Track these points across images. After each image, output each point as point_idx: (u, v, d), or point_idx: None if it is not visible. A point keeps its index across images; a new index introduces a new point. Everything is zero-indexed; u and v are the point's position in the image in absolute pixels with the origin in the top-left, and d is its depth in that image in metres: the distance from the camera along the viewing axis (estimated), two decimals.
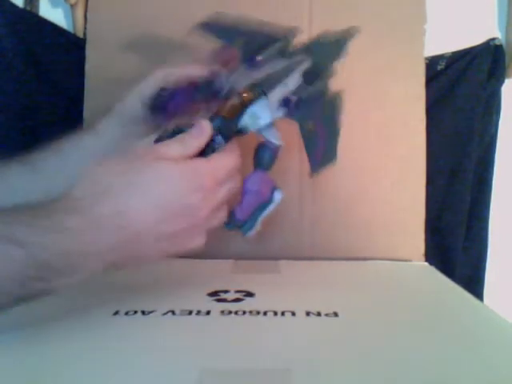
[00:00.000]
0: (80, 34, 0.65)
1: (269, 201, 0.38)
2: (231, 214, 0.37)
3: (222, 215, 0.36)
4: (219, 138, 0.35)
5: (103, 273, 0.32)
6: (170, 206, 0.32)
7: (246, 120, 0.36)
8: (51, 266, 0.29)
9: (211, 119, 0.35)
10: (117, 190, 0.31)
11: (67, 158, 0.43)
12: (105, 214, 0.30)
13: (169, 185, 0.32)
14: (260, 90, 0.37)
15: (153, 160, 0.33)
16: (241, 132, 0.37)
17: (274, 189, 0.38)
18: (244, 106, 0.36)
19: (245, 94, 0.36)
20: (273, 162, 0.38)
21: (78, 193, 0.31)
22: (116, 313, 0.35)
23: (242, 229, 0.38)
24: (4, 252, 0.28)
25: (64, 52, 0.64)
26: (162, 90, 0.40)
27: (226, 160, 0.35)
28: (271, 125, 0.38)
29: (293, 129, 0.58)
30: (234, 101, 0.36)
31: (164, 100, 0.40)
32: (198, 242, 0.35)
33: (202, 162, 0.34)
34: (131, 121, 0.43)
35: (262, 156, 0.38)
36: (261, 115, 0.37)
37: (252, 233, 0.38)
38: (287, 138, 0.57)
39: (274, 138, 0.38)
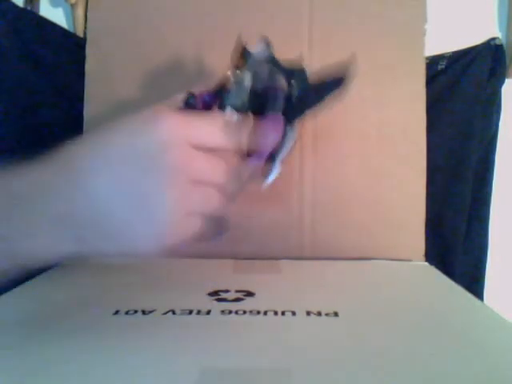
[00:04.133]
0: (80, 34, 0.65)
1: (284, 140, 0.35)
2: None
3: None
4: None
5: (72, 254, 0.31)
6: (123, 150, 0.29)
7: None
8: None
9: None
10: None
11: None
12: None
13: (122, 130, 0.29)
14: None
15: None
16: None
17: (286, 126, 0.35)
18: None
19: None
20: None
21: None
22: (116, 312, 0.35)
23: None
24: None
25: (64, 52, 0.64)
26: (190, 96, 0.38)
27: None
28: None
29: None
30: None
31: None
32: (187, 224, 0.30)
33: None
34: None
35: (273, 99, 0.35)
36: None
37: (272, 177, 0.36)
38: None
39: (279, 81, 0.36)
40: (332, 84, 0.36)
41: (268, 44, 0.36)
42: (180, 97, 0.36)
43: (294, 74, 0.36)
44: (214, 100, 0.36)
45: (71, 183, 0.29)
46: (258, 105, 0.35)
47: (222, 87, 0.36)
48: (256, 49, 0.36)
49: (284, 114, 0.35)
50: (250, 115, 0.35)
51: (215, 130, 0.31)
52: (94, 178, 0.29)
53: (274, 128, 0.35)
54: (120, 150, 0.29)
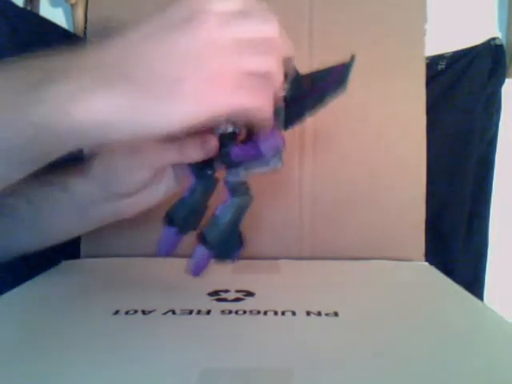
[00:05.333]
0: (80, 34, 0.65)
1: (266, 162, 0.35)
2: (226, 152, 0.35)
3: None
4: None
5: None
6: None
7: None
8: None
9: None
10: None
11: (38, 207, 0.41)
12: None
13: None
14: None
15: None
16: None
17: (277, 152, 0.35)
18: None
19: None
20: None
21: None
22: (116, 312, 0.35)
23: (229, 174, 0.36)
24: None
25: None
26: None
27: None
28: None
29: (292, 130, 0.57)
30: None
31: None
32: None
33: None
34: (111, 188, 0.40)
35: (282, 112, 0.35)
36: None
37: (234, 179, 0.36)
38: (287, 138, 0.57)
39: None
40: (331, 86, 0.35)
41: None
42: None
43: (286, 77, 0.34)
44: None
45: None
46: None
47: None
48: None
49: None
50: None
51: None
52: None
53: (270, 139, 0.34)
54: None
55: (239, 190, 0.36)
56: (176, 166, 0.40)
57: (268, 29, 0.30)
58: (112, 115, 0.27)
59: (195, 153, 0.36)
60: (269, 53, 0.30)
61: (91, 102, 0.26)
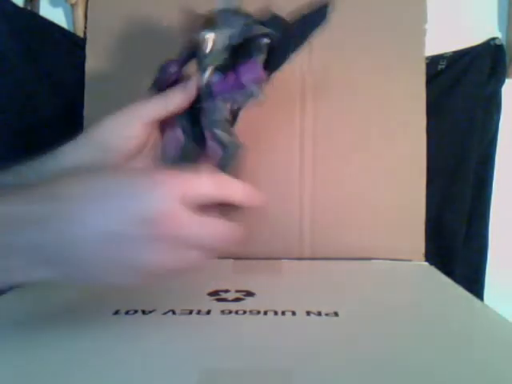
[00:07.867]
0: (80, 34, 0.65)
1: (247, 93, 0.35)
2: (208, 84, 0.35)
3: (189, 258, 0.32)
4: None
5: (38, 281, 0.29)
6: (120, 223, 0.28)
7: None
8: None
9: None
10: (68, 192, 0.28)
11: (26, 179, 0.41)
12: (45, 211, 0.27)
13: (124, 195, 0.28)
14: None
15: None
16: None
17: (258, 83, 0.35)
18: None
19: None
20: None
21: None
22: (116, 312, 0.35)
23: (206, 106, 0.36)
24: None
25: (64, 52, 0.64)
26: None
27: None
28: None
29: (293, 130, 0.58)
30: None
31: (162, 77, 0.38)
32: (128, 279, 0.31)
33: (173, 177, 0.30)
34: (105, 148, 0.39)
35: (258, 46, 0.35)
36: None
37: (209, 106, 0.36)
38: (287, 138, 0.57)
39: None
40: (314, 18, 0.35)
41: None
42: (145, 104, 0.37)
43: (268, 23, 0.35)
44: (182, 66, 0.36)
45: (60, 216, 0.28)
46: (241, 57, 0.34)
47: (192, 51, 0.36)
48: (220, 4, 0.36)
49: (266, 63, 0.35)
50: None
51: (210, 185, 0.31)
52: (84, 222, 0.28)
53: (251, 71, 0.34)
54: (118, 211, 0.28)
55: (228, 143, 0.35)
56: (168, 130, 0.40)
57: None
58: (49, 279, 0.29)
59: (179, 97, 0.36)
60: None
61: (34, 277, 0.28)
